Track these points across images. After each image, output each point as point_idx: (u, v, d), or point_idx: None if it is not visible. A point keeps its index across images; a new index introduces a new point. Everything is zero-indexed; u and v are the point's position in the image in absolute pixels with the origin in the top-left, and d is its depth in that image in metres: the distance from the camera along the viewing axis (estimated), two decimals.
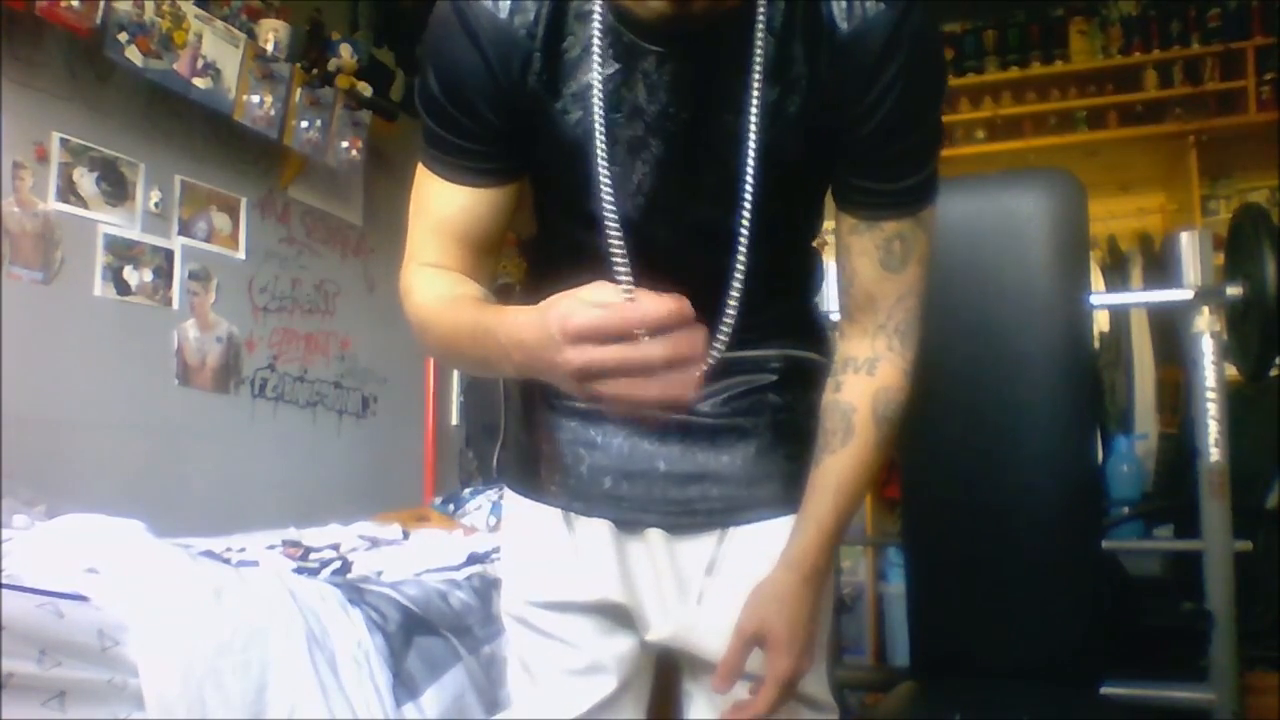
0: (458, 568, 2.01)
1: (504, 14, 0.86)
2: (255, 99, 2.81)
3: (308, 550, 2.06)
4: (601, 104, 0.86)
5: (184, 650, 1.31)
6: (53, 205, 2.41)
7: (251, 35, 2.82)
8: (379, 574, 1.92)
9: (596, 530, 1.02)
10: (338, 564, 1.97)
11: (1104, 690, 1.54)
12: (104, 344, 2.54)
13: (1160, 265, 3.71)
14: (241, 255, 3.03)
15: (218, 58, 2.68)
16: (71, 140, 2.47)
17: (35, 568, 1.33)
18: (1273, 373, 2.12)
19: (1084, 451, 1.58)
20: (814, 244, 1.08)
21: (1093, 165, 3.95)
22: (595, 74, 0.86)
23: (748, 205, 0.88)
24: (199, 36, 2.62)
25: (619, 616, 1.02)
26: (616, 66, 0.86)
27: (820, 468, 0.95)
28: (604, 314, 0.67)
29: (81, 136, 2.49)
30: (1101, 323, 3.57)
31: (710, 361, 0.95)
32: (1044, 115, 4.22)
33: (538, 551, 1.05)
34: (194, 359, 2.82)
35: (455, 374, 3.84)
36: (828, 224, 1.03)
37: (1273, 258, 1.93)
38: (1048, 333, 1.54)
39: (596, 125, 0.86)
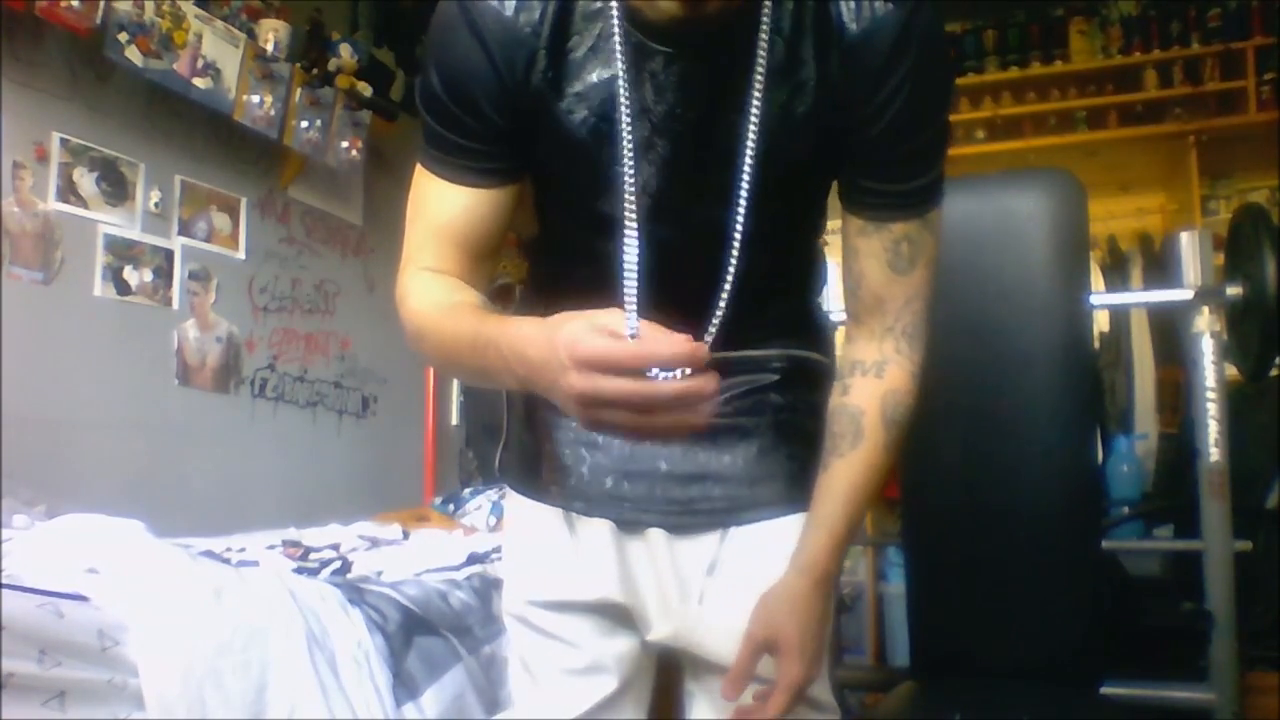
0: (458, 568, 2.01)
1: (510, 12, 0.85)
2: (255, 99, 2.81)
3: (308, 550, 2.06)
4: (627, 105, 0.85)
5: (184, 650, 1.31)
6: (53, 205, 2.41)
7: (251, 35, 2.82)
8: (379, 574, 1.92)
9: (598, 530, 1.02)
10: (338, 564, 1.97)
11: (1104, 690, 1.54)
12: (104, 344, 2.54)
13: (1160, 265, 3.71)
14: (241, 255, 3.03)
15: (218, 58, 2.68)
16: (71, 140, 2.47)
17: (35, 568, 1.33)
18: (1273, 373, 2.12)
19: (1084, 451, 1.58)
20: (817, 243, 1.08)
21: (1093, 165, 3.95)
22: (619, 71, 0.85)
23: (743, 205, 0.88)
24: (199, 36, 2.62)
25: (620, 616, 1.02)
26: (624, 66, 0.86)
27: (829, 471, 0.95)
28: (616, 346, 0.67)
29: (81, 136, 2.49)
30: (1101, 323, 3.56)
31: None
32: (1044, 115, 4.22)
33: (539, 551, 1.05)
34: (194, 359, 2.82)
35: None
36: (831, 223, 1.03)
37: (1273, 258, 1.93)
38: (1048, 333, 1.54)
39: (623, 125, 0.85)
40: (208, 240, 2.89)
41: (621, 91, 0.85)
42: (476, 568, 2.02)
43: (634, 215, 0.81)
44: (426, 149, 0.93)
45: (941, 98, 0.92)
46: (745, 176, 0.87)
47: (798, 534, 0.99)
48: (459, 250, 0.93)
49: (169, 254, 2.74)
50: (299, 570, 1.85)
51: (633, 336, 0.67)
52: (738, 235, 0.89)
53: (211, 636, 1.36)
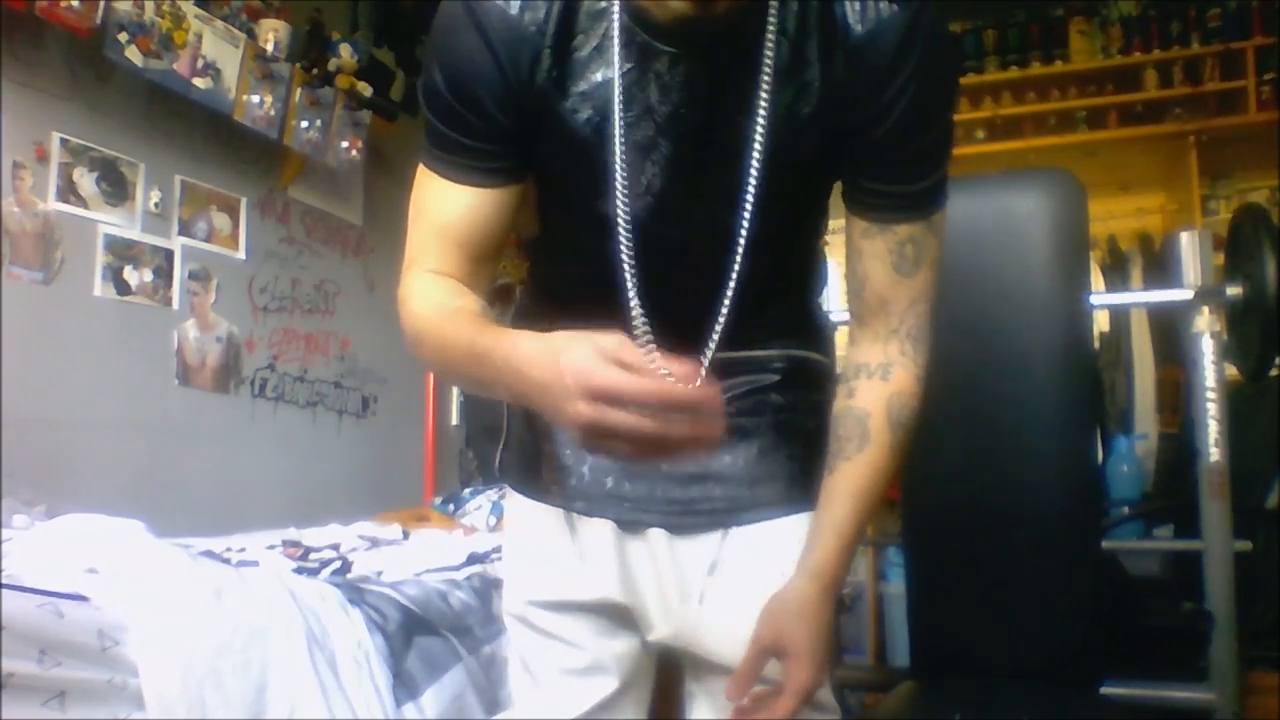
0: (458, 568, 2.01)
1: (515, 10, 0.85)
2: (255, 99, 2.81)
3: (308, 550, 2.06)
4: (621, 104, 0.85)
5: (184, 650, 1.31)
6: (53, 205, 2.41)
7: (251, 35, 2.82)
8: (379, 574, 1.92)
9: (598, 530, 1.02)
10: (338, 564, 1.97)
11: (1104, 690, 1.53)
12: (104, 344, 2.54)
13: (1160, 265, 3.71)
14: (241, 255, 3.03)
15: (218, 58, 2.68)
16: (71, 140, 2.47)
17: (35, 568, 1.33)
18: (1273, 373, 2.12)
19: (1084, 451, 1.58)
20: (819, 244, 1.08)
21: (1093, 165, 3.95)
22: (616, 73, 0.85)
23: (749, 208, 0.88)
24: (199, 36, 2.62)
25: (620, 616, 1.02)
26: (629, 66, 0.86)
27: (836, 475, 0.95)
28: (631, 381, 0.67)
29: (81, 136, 2.49)
30: (1101, 323, 3.56)
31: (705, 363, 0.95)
32: (1044, 115, 4.22)
33: (539, 551, 1.05)
34: (194, 359, 2.82)
35: None
36: (833, 223, 1.03)
37: (1273, 258, 1.93)
38: (1048, 333, 1.54)
39: (616, 125, 0.85)
40: (208, 240, 2.89)
41: (616, 92, 0.85)
42: (476, 568, 2.02)
43: (628, 216, 0.82)
44: (429, 149, 0.93)
45: (946, 99, 0.91)
46: (752, 178, 0.87)
47: (798, 534, 0.99)
48: (461, 251, 0.93)
49: (169, 254, 2.74)
50: (299, 570, 1.85)
51: (653, 364, 0.68)
52: (743, 236, 0.89)
53: (211, 636, 1.36)
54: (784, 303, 1.03)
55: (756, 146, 0.86)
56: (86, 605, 1.26)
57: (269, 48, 2.87)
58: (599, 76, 0.87)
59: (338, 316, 3.44)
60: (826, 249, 1.10)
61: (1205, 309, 1.98)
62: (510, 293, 2.39)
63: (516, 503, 1.10)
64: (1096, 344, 3.36)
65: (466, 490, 3.07)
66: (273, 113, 2.87)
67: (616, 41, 0.85)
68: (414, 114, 3.61)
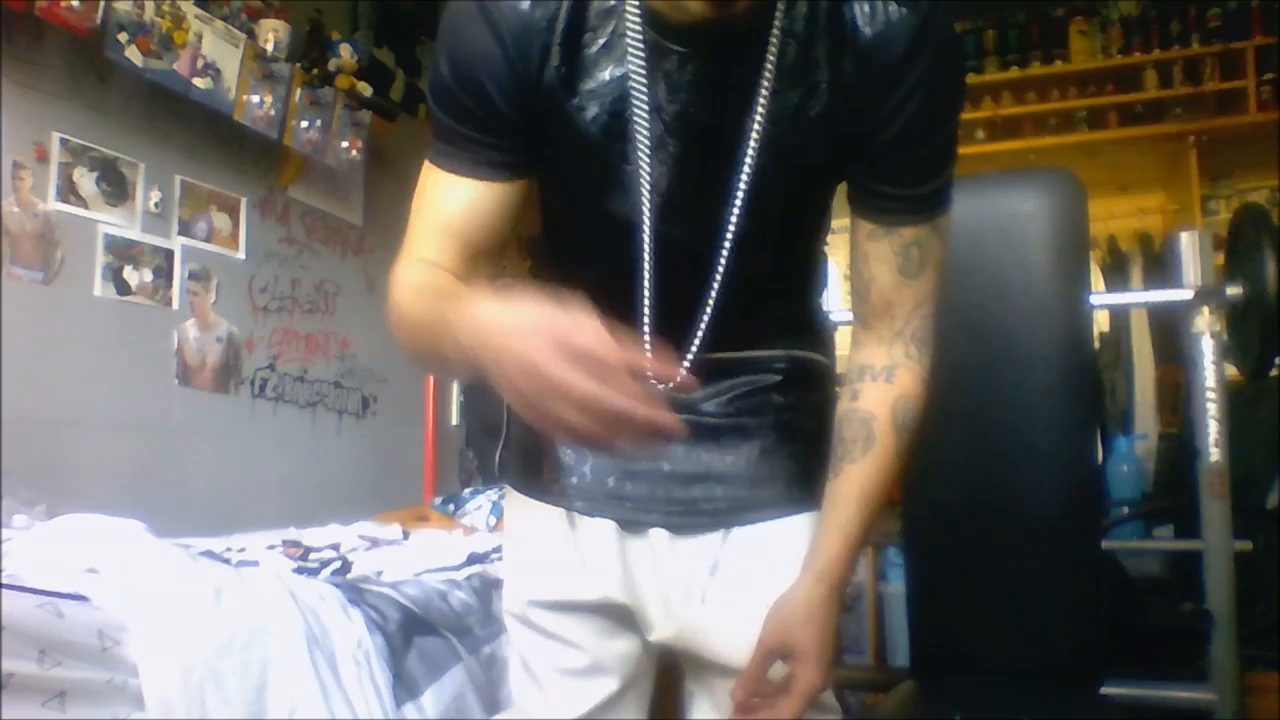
0: (458, 568, 2.01)
1: (525, 5, 0.85)
2: (255, 99, 2.81)
3: (308, 550, 2.06)
4: (644, 102, 0.85)
5: (184, 650, 1.30)
6: (53, 205, 2.41)
7: (251, 35, 2.82)
8: (379, 574, 1.92)
9: (599, 530, 1.02)
10: (338, 564, 1.97)
11: (1104, 690, 1.53)
12: (104, 344, 2.54)
13: (1160, 265, 3.72)
14: (241, 255, 3.03)
15: (218, 58, 2.68)
16: (71, 140, 2.47)
17: (35, 568, 1.33)
18: (1273, 373, 2.12)
19: (1084, 452, 1.58)
20: (821, 245, 1.08)
21: (1093, 165, 3.96)
22: (631, 70, 0.85)
23: (738, 206, 0.88)
24: (199, 36, 2.62)
25: (621, 617, 1.02)
26: (638, 65, 0.86)
27: (841, 477, 0.95)
28: (610, 345, 0.65)
29: (81, 136, 2.49)
30: (1101, 323, 3.57)
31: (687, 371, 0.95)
32: (1044, 115, 4.22)
33: (540, 551, 1.05)
34: (194, 359, 2.82)
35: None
36: (835, 223, 1.03)
37: (1273, 258, 1.93)
38: (1048, 333, 1.54)
39: (637, 123, 0.85)
40: (208, 240, 2.89)
41: (634, 89, 0.85)
42: (476, 568, 2.02)
43: (650, 214, 0.82)
44: (434, 143, 0.92)
45: (954, 102, 0.91)
46: (744, 177, 0.87)
47: (800, 534, 0.99)
48: (459, 245, 0.92)
49: (169, 254, 2.74)
50: (299, 570, 1.85)
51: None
52: (730, 236, 0.89)
53: (211, 636, 1.36)
54: (786, 303, 1.03)
55: (751, 147, 0.86)
56: (86, 605, 1.26)
57: (269, 48, 2.87)
58: (607, 74, 0.86)
59: (338, 316, 3.44)
60: (827, 249, 1.10)
61: (1205, 309, 1.98)
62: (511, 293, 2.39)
63: (517, 502, 1.10)
64: (1096, 344, 3.36)
65: (466, 490, 3.07)
66: (273, 113, 2.87)
67: (630, 40, 0.85)
68: (414, 114, 3.61)
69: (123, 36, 2.41)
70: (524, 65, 0.86)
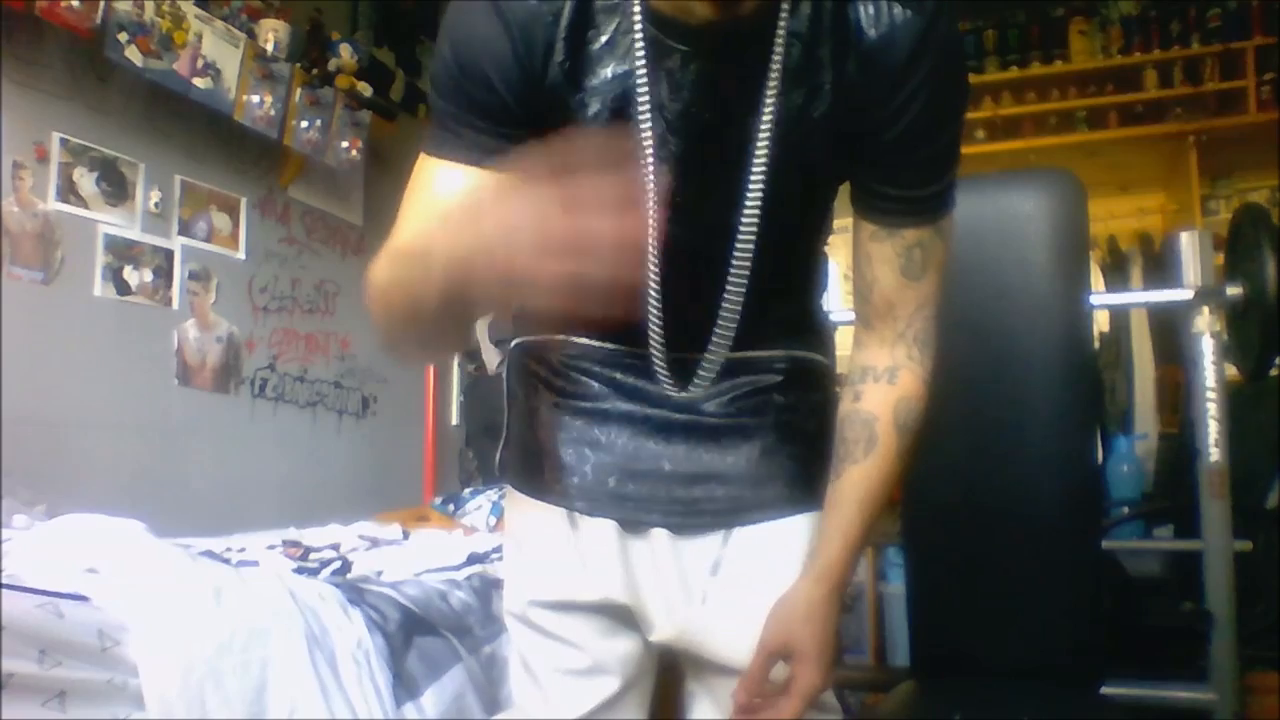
0: (458, 568, 2.01)
1: None
2: (255, 99, 2.81)
3: (308, 550, 2.06)
4: (645, 100, 0.85)
5: (184, 650, 1.31)
6: (53, 205, 2.41)
7: (251, 35, 2.82)
8: (379, 574, 1.92)
9: (600, 530, 1.01)
10: (338, 564, 1.97)
11: (1104, 690, 1.53)
12: (104, 344, 2.54)
13: (1160, 265, 3.72)
14: (241, 255, 3.03)
15: (218, 58, 2.68)
16: (71, 140, 2.47)
17: (35, 568, 1.33)
18: (1273, 373, 2.12)
19: (1084, 451, 1.58)
20: (822, 246, 1.08)
21: (1093, 165, 3.96)
22: (636, 68, 0.85)
23: (754, 210, 0.87)
24: (199, 36, 2.62)
25: (622, 617, 1.02)
26: (641, 62, 0.86)
27: (843, 478, 0.95)
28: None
29: (81, 136, 2.49)
30: (1101, 323, 3.57)
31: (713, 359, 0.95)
32: (1044, 115, 4.22)
33: (541, 551, 1.05)
34: (194, 359, 2.82)
35: (455, 374, 3.84)
36: (835, 223, 1.03)
37: (1273, 258, 1.93)
38: (1048, 333, 1.54)
39: (639, 121, 0.85)
40: (208, 240, 2.89)
41: (636, 88, 0.85)
42: (476, 568, 2.02)
43: (653, 211, 0.81)
44: (432, 132, 0.91)
45: (958, 105, 0.91)
46: (757, 179, 0.86)
47: (801, 534, 0.99)
48: None
49: (169, 254, 2.74)
50: (299, 570, 1.85)
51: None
52: (748, 236, 0.88)
53: (211, 636, 1.36)
54: (787, 304, 1.03)
55: (761, 148, 0.86)
56: (86, 605, 1.26)
57: (269, 48, 2.87)
58: (610, 71, 0.86)
59: (338, 316, 3.44)
60: (828, 250, 1.10)
61: (1205, 309, 1.98)
62: None
63: (517, 502, 1.10)
64: (1096, 344, 3.36)
65: (466, 490, 3.07)
66: (273, 113, 2.87)
67: (634, 38, 0.85)
68: (414, 114, 3.61)
69: (123, 36, 2.41)
70: (529, 54, 0.86)
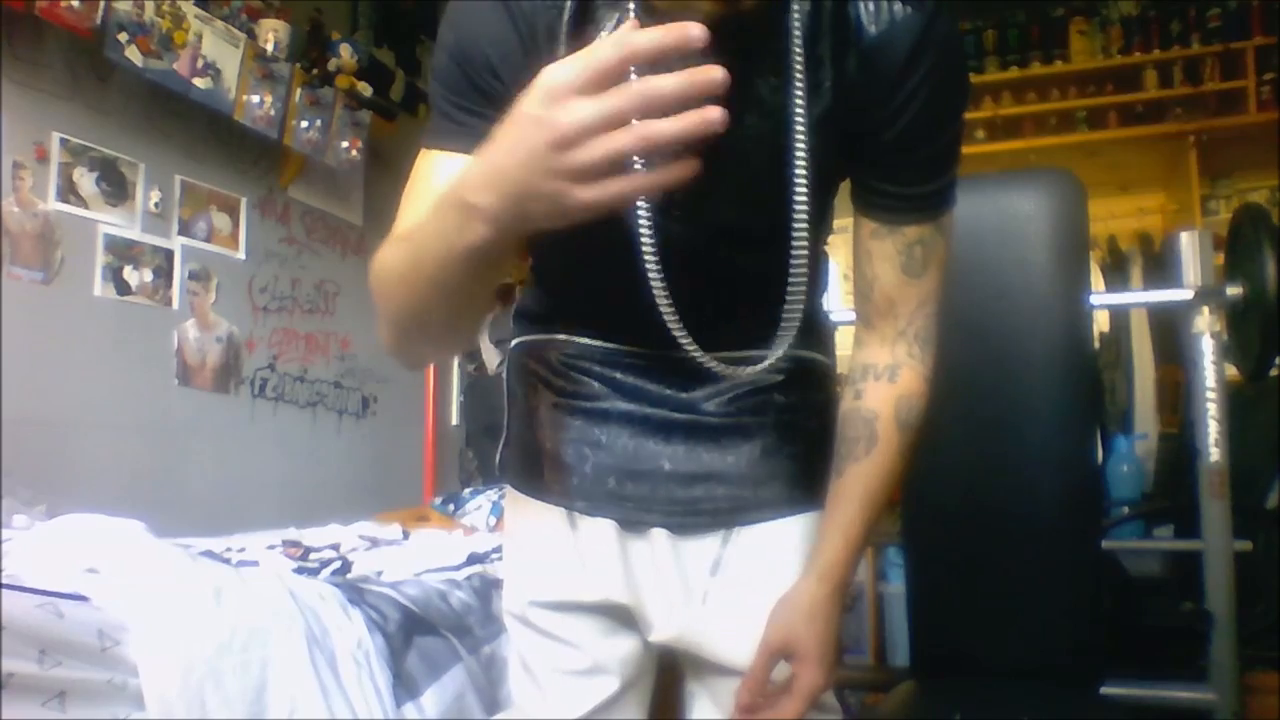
0: (458, 568, 2.01)
1: None
2: (255, 99, 2.81)
3: (308, 550, 2.06)
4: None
5: (184, 650, 1.30)
6: (53, 205, 2.41)
7: (251, 35, 2.82)
8: (379, 574, 1.92)
9: (600, 530, 1.01)
10: (338, 564, 1.97)
11: (1104, 690, 1.54)
12: (104, 344, 2.54)
13: (1160, 265, 3.72)
14: (241, 255, 3.03)
15: (218, 58, 2.68)
16: (71, 140, 2.47)
17: (35, 568, 1.33)
18: (1273, 373, 2.12)
19: (1084, 451, 1.58)
20: (822, 244, 1.08)
21: (1093, 165, 3.96)
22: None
23: (802, 209, 0.86)
24: (199, 36, 2.62)
25: (622, 617, 1.02)
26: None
27: (845, 477, 0.95)
28: (588, 56, 0.60)
29: (81, 136, 2.49)
30: (1101, 323, 3.57)
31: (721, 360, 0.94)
32: (1044, 115, 4.22)
33: (540, 551, 1.05)
34: (194, 359, 2.82)
35: (455, 374, 3.84)
36: (836, 222, 1.03)
37: (1273, 258, 1.93)
38: (1048, 333, 1.54)
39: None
40: (208, 240, 2.89)
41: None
42: (476, 568, 2.02)
43: (648, 211, 0.81)
44: (433, 124, 0.90)
45: (958, 102, 0.91)
46: (799, 173, 0.85)
47: (801, 534, 0.99)
48: None
49: (169, 254, 2.74)
50: (299, 570, 1.85)
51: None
52: (801, 239, 0.86)
53: (211, 636, 1.36)
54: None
55: (799, 150, 0.84)
56: (86, 605, 1.26)
57: (269, 48, 2.87)
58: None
59: (338, 316, 3.44)
60: (828, 249, 1.10)
61: (1205, 309, 1.98)
62: (511, 293, 2.39)
63: (517, 502, 1.10)
64: (1096, 344, 3.36)
65: (466, 490, 3.07)
66: (273, 113, 2.87)
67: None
68: (414, 114, 3.61)
69: (123, 36, 2.41)
70: (533, 42, 0.85)
